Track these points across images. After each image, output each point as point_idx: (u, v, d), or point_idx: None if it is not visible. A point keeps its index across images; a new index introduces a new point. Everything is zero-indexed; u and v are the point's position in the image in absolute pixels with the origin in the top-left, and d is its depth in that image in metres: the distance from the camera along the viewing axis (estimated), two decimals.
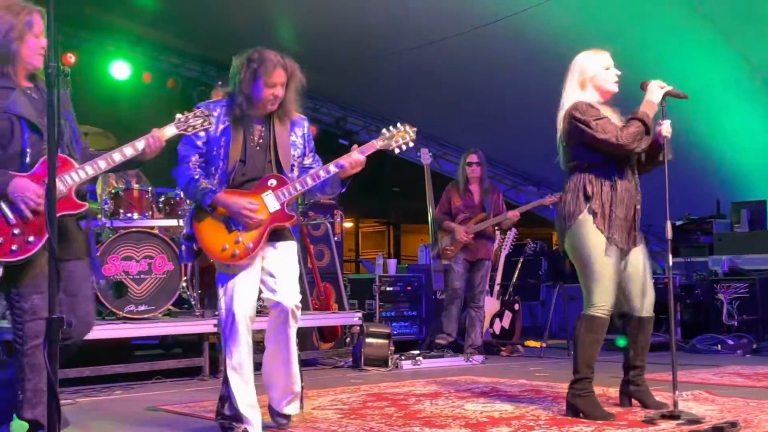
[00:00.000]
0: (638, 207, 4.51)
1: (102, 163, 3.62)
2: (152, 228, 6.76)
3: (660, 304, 4.75)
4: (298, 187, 4.14)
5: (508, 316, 8.78)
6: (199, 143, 4.12)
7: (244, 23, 10.01)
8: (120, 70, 11.04)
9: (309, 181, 4.14)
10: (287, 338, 4.16)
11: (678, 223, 10.25)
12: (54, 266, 2.69)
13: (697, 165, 10.08)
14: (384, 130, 4.30)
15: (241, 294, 4.04)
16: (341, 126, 13.26)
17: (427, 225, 8.57)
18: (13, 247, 3.42)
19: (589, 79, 4.56)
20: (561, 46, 8.76)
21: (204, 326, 6.57)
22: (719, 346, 8.33)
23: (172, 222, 6.98)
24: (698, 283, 9.44)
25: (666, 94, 4.42)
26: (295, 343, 4.21)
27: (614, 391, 4.79)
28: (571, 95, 4.55)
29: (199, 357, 6.58)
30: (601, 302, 4.40)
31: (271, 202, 4.09)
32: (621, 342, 4.75)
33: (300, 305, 4.17)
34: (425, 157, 8.56)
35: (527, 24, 8.80)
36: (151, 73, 11.42)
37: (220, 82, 7.95)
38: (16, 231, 3.43)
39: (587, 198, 4.43)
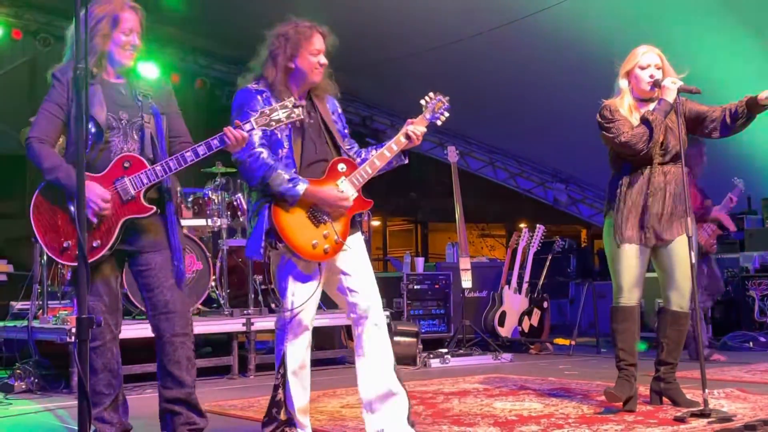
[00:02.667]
0: (668, 201, 4.50)
1: (173, 164, 3.51)
2: (181, 228, 6.77)
3: None
4: (369, 170, 3.81)
5: (536, 313, 8.76)
6: None
7: (271, 22, 10.04)
8: (148, 71, 11.10)
9: (377, 162, 3.83)
10: (381, 344, 3.81)
11: None
12: (82, 266, 2.71)
13: (727, 161, 9.96)
14: (423, 102, 3.95)
15: (313, 298, 3.74)
16: (368, 125, 13.27)
17: (454, 223, 8.54)
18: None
19: (625, 74, 4.57)
20: (585, 44, 8.75)
21: (233, 325, 6.61)
22: (751, 343, 8.27)
23: (201, 222, 7.02)
24: (729, 279, 9.36)
25: (679, 90, 4.42)
26: (389, 347, 3.85)
27: (645, 389, 4.76)
28: (615, 87, 4.63)
29: (228, 356, 6.63)
30: (625, 294, 4.54)
31: (348, 189, 3.75)
32: (641, 347, 4.84)
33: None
34: (452, 155, 8.52)
35: (551, 22, 8.75)
36: (179, 74, 11.48)
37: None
38: None
39: (610, 199, 4.62)
